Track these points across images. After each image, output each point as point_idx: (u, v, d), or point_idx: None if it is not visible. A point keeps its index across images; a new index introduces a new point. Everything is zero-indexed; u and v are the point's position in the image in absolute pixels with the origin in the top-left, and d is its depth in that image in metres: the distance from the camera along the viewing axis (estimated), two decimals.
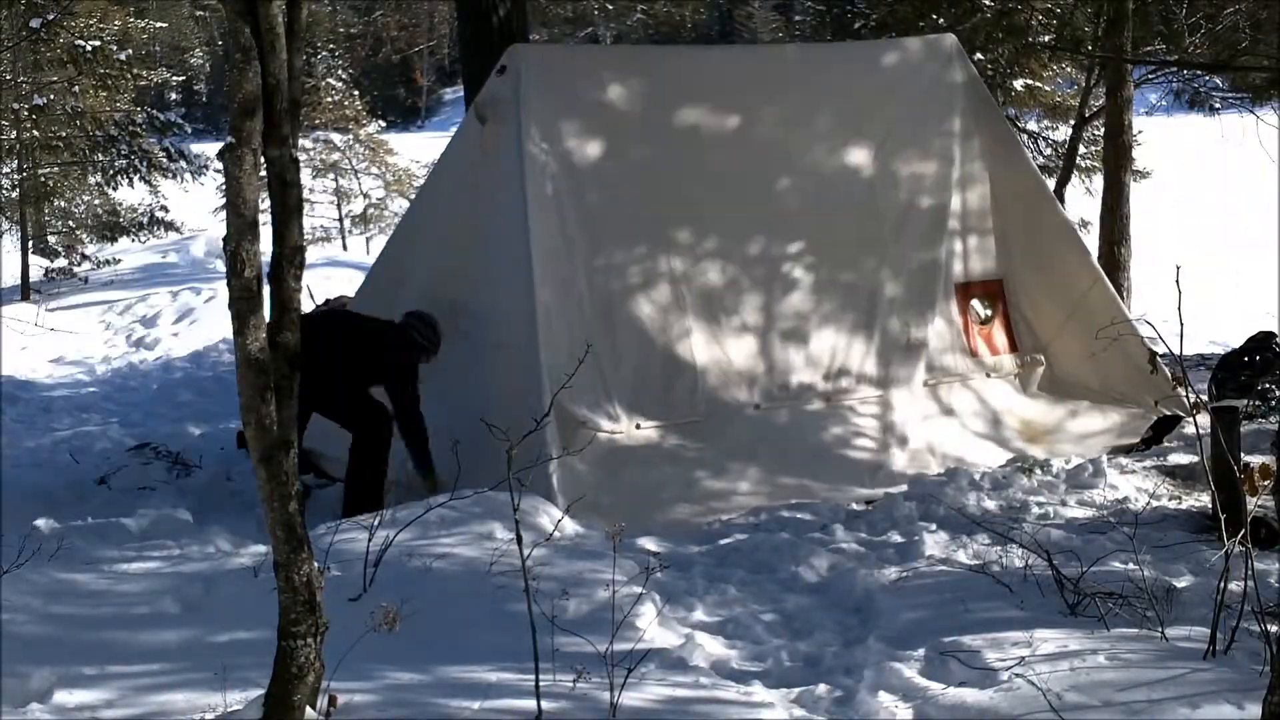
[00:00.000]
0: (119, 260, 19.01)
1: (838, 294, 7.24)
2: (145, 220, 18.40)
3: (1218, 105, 14.35)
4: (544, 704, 3.55)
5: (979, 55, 12.60)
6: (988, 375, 7.57)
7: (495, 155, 6.77)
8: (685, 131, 7.08)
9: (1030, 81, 15.15)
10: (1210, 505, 4.86)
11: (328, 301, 12.00)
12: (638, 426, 6.55)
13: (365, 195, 24.26)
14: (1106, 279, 7.99)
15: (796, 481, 6.55)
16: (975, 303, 7.70)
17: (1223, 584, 4.10)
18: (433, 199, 7.56)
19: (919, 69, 7.70)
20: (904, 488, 6.50)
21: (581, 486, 5.94)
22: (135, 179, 17.59)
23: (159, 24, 26.09)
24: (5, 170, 16.72)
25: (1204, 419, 5.59)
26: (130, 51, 17.37)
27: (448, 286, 6.90)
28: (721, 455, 6.58)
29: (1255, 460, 6.19)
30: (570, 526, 5.43)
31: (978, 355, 7.59)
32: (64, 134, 16.62)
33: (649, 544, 5.68)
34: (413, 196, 22.68)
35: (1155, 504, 6.08)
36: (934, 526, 5.80)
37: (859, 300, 7.28)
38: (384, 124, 27.99)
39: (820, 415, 7.03)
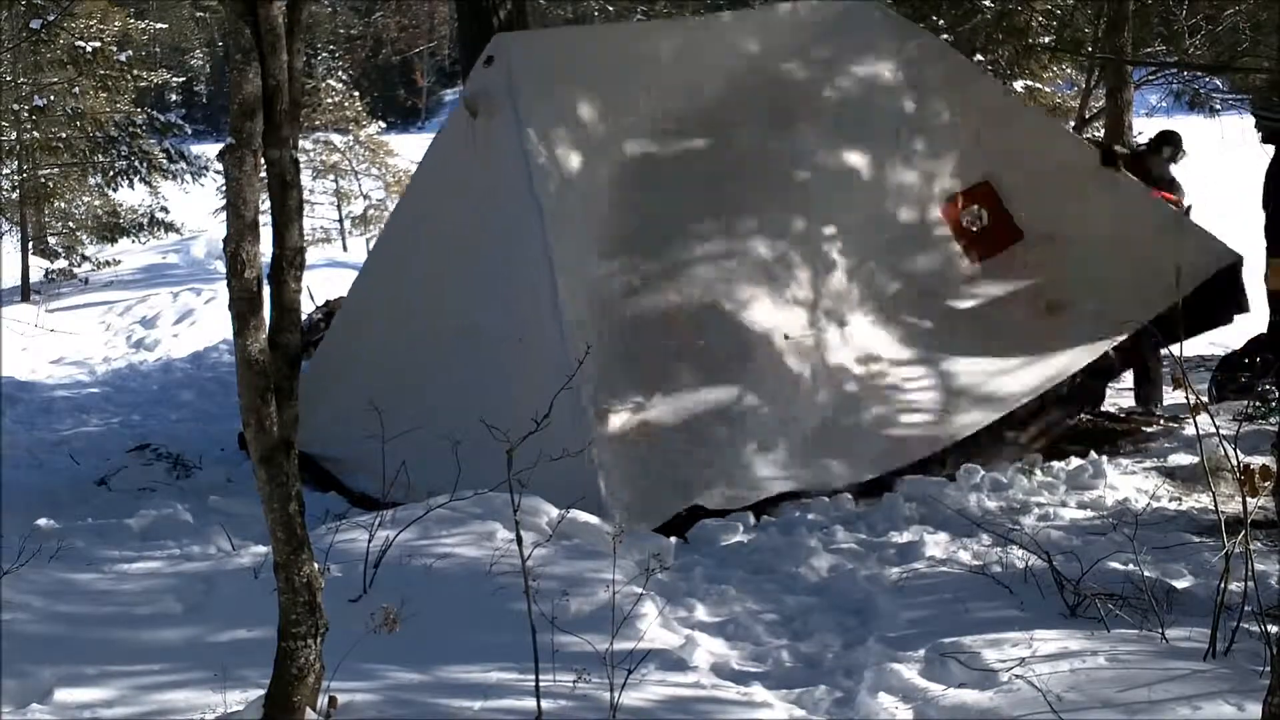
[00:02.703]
0: (119, 261, 19.02)
1: (837, 271, 7.18)
2: (145, 221, 18.41)
3: (1218, 107, 14.36)
4: (544, 704, 3.56)
5: (979, 56, 12.61)
6: (989, 279, 7.49)
7: (490, 148, 6.71)
8: (676, 106, 7.00)
9: (1030, 83, 15.16)
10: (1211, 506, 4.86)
11: (327, 303, 12.02)
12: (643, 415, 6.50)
13: (365, 196, 24.24)
14: (1108, 157, 7.91)
15: (831, 460, 6.57)
16: (965, 214, 7.61)
17: (1223, 585, 4.11)
18: (425, 195, 7.48)
19: (833, 29, 7.64)
20: (904, 488, 6.50)
21: (625, 484, 5.96)
22: (135, 180, 17.62)
23: (159, 25, 26.09)
24: (5, 171, 16.74)
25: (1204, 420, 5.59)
26: (130, 52, 17.42)
27: (453, 282, 6.85)
28: (737, 444, 6.54)
29: (1255, 461, 6.20)
30: (572, 526, 5.42)
31: (979, 266, 7.51)
32: (64, 135, 16.66)
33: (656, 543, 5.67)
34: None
35: (1155, 505, 6.08)
36: (934, 528, 5.80)
37: (850, 271, 7.22)
38: (384, 125, 27.95)
39: (852, 397, 7.00)
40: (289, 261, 3.45)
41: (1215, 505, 4.48)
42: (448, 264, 6.90)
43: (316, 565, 3.53)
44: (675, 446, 6.36)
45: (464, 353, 6.63)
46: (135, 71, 17.24)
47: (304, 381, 7.65)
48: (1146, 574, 4.60)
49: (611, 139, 6.81)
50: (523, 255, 6.47)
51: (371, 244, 23.42)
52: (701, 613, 4.83)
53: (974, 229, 7.59)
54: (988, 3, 12.70)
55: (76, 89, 16.41)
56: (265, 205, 3.31)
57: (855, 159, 7.39)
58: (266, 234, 3.23)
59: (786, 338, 6.82)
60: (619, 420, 6.23)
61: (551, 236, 6.37)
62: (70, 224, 18.56)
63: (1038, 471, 6.73)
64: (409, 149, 26.08)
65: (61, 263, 17.82)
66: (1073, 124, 14.40)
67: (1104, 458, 6.88)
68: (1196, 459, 6.02)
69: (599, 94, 6.84)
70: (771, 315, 6.82)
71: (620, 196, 6.71)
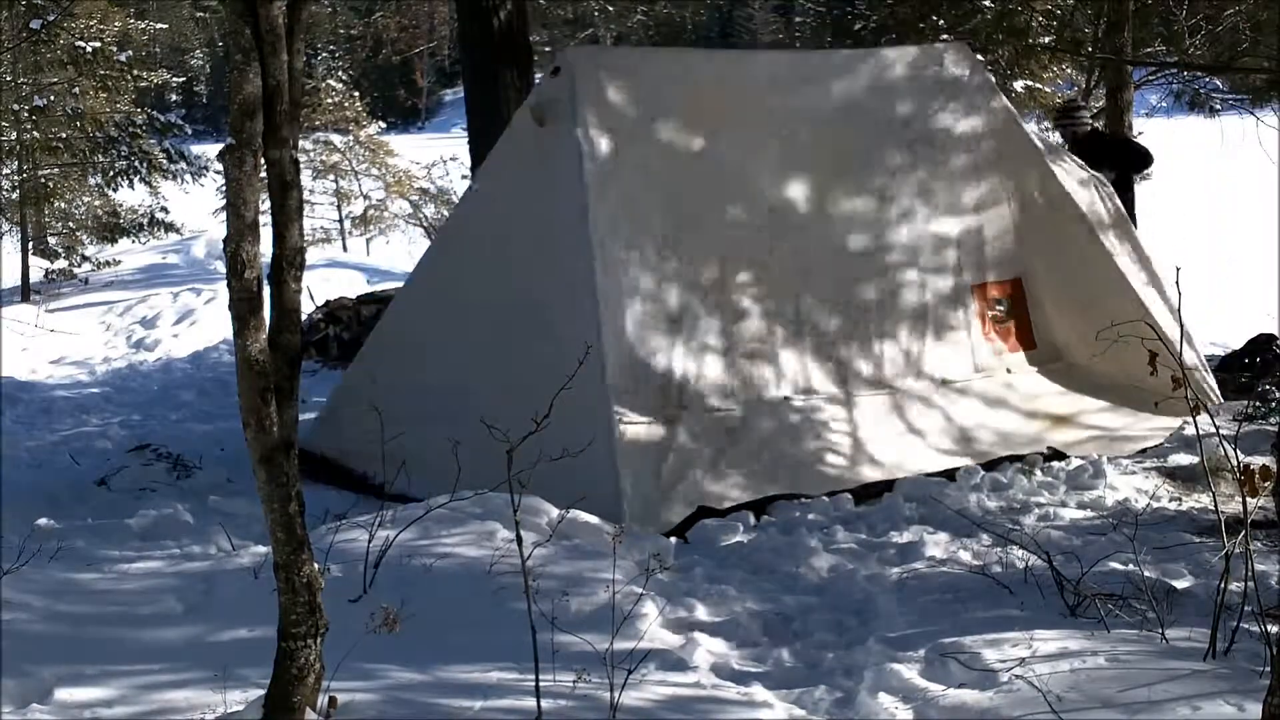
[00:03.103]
0: (119, 261, 19.05)
1: (872, 292, 7.29)
2: (145, 221, 18.43)
3: (1218, 107, 14.36)
4: (544, 704, 3.56)
5: (979, 57, 12.61)
6: (1008, 371, 7.66)
7: (551, 155, 6.78)
8: (729, 128, 7.12)
9: (1030, 83, 15.17)
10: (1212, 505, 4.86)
11: (327, 303, 12.02)
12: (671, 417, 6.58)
13: (365, 196, 24.23)
14: (1128, 275, 8.04)
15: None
16: (992, 301, 7.78)
17: (1223, 585, 4.11)
18: (484, 200, 7.56)
19: (927, 75, 7.76)
20: (904, 488, 6.51)
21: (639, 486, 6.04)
22: (135, 180, 17.64)
23: (159, 25, 26.11)
24: (5, 171, 16.75)
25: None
26: (130, 53, 17.45)
27: (504, 286, 6.91)
28: (752, 447, 6.60)
29: (1255, 461, 6.19)
30: (572, 526, 5.42)
31: (998, 353, 7.71)
32: (64, 135, 16.67)
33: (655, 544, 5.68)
34: (413, 198, 22.82)
35: (1155, 505, 6.08)
36: (934, 528, 5.80)
37: (879, 301, 7.33)
38: (384, 125, 27.97)
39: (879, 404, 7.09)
40: (289, 262, 3.45)
41: (1215, 505, 4.48)
42: (505, 265, 6.95)
43: (316, 565, 3.53)
44: (688, 450, 6.42)
45: (507, 353, 6.68)
46: (135, 71, 17.27)
47: (343, 380, 7.62)
48: (1146, 574, 4.60)
49: (667, 151, 6.87)
50: (572, 258, 6.51)
51: (371, 244, 23.47)
52: (701, 613, 4.83)
53: (994, 320, 7.76)
54: (988, 3, 12.70)
55: (76, 89, 16.41)
56: (265, 205, 3.31)
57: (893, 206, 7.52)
58: (266, 234, 3.23)
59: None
60: (636, 429, 6.31)
61: (596, 242, 6.43)
62: (70, 224, 18.57)
63: (1038, 471, 6.73)
64: (409, 149, 26.10)
65: (61, 263, 17.84)
66: None
67: (1104, 457, 6.88)
68: (1196, 459, 6.02)
69: (658, 108, 6.93)
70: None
71: (668, 207, 6.79)
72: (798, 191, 7.23)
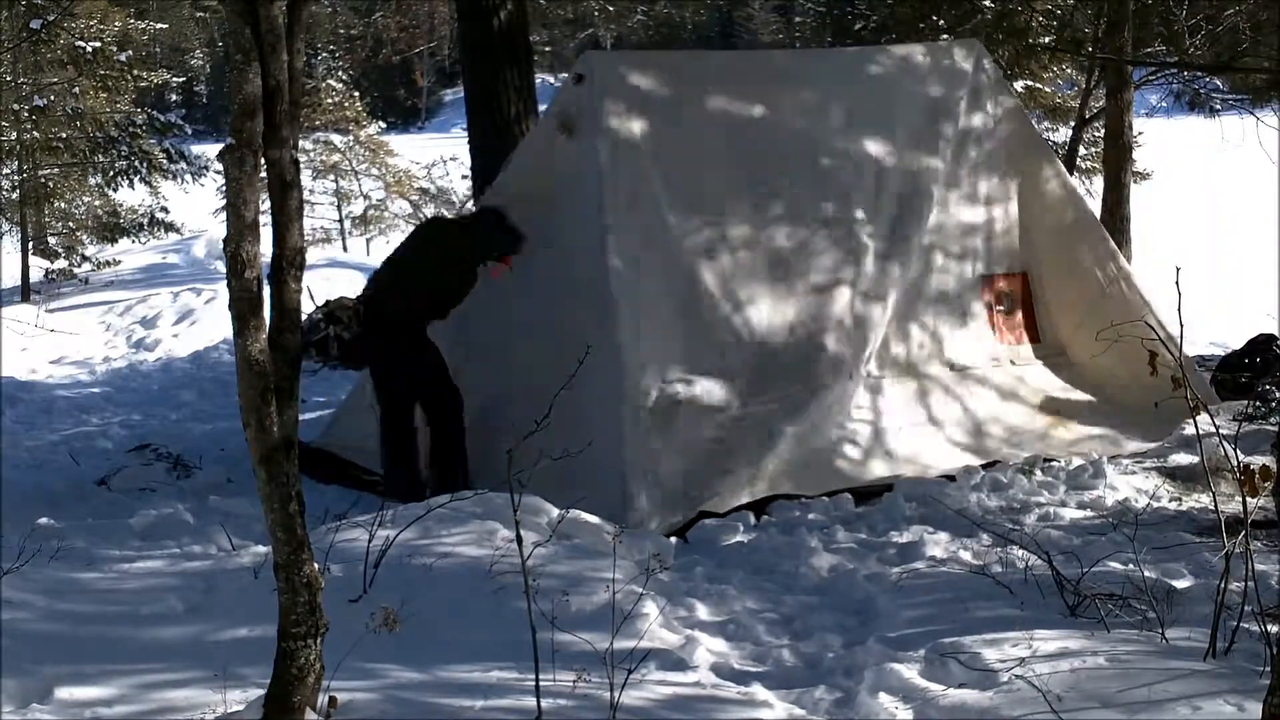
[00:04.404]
0: (119, 261, 19.02)
1: (873, 282, 7.28)
2: (145, 221, 18.40)
3: (1218, 107, 14.37)
4: (544, 703, 3.56)
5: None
6: (1012, 363, 7.72)
7: (569, 160, 6.76)
8: (748, 123, 7.13)
9: (1030, 83, 15.17)
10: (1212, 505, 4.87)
11: (327, 303, 12.01)
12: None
13: (365, 196, 24.23)
14: (1131, 273, 8.07)
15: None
16: (999, 294, 7.82)
17: (1223, 585, 4.11)
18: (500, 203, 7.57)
19: (939, 71, 7.77)
20: (905, 488, 6.51)
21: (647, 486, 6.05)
22: (135, 180, 17.60)
23: (159, 25, 26.11)
24: (5, 171, 16.73)
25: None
26: (130, 53, 17.39)
27: (520, 288, 6.90)
28: (753, 443, 6.61)
29: (1255, 461, 6.19)
30: (572, 525, 5.42)
31: (1007, 345, 7.78)
32: (64, 135, 16.63)
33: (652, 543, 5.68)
34: (413, 198, 22.86)
35: (1155, 505, 6.08)
36: (934, 528, 5.80)
37: (886, 290, 7.33)
38: (384, 125, 27.96)
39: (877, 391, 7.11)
40: (289, 262, 3.45)
41: (1215, 505, 4.49)
42: (520, 263, 6.95)
43: (316, 565, 3.53)
44: (699, 442, 6.41)
45: (522, 354, 6.69)
46: (135, 71, 17.22)
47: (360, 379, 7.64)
48: (1146, 574, 4.60)
49: (684, 146, 6.86)
50: (591, 255, 6.51)
51: (371, 244, 23.48)
52: (702, 612, 4.84)
53: (1000, 313, 7.80)
54: (988, 3, 12.72)
55: (76, 89, 16.39)
56: (265, 205, 3.31)
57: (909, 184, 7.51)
58: (266, 234, 3.23)
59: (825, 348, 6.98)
60: (661, 400, 6.33)
61: (614, 236, 6.44)
62: (70, 224, 18.54)
63: (1038, 471, 6.74)
64: (409, 149, 26.10)
65: (61, 263, 17.81)
66: (1073, 124, 14.44)
67: (1104, 458, 6.89)
68: (1196, 459, 6.02)
69: (677, 104, 6.93)
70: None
71: (685, 196, 6.79)
72: (823, 179, 7.23)
